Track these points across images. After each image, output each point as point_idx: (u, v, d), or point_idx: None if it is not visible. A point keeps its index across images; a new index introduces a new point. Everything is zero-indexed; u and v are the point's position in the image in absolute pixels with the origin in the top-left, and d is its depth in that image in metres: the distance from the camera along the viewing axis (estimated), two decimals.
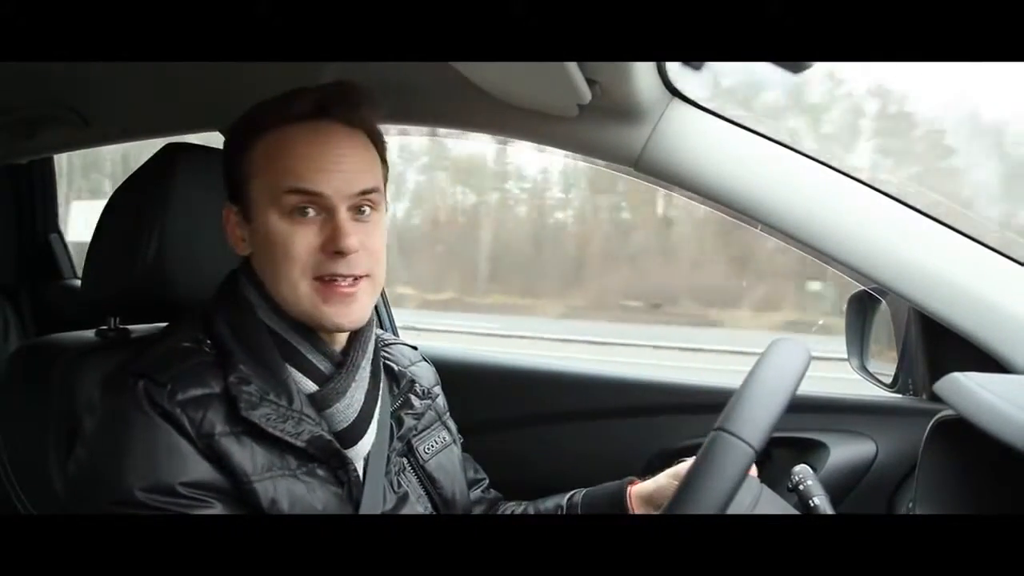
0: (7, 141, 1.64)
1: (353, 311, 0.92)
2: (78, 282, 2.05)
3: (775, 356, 0.78)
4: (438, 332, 4.97)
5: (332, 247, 0.89)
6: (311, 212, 0.90)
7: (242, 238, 0.96)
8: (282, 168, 0.90)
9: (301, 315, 0.92)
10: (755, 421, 0.73)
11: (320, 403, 0.92)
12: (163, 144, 1.13)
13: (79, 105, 1.48)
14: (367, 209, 0.93)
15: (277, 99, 0.94)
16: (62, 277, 2.10)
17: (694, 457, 0.76)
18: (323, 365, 0.94)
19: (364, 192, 0.92)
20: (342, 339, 0.98)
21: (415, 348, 1.22)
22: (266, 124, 0.93)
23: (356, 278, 0.91)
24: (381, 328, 1.47)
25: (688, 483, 0.73)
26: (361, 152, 0.94)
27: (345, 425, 0.94)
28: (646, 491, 1.05)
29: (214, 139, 1.49)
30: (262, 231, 0.92)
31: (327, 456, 0.91)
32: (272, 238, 0.90)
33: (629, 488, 1.07)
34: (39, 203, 2.07)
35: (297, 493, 0.88)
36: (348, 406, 0.94)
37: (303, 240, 0.89)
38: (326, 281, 0.90)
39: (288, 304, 0.92)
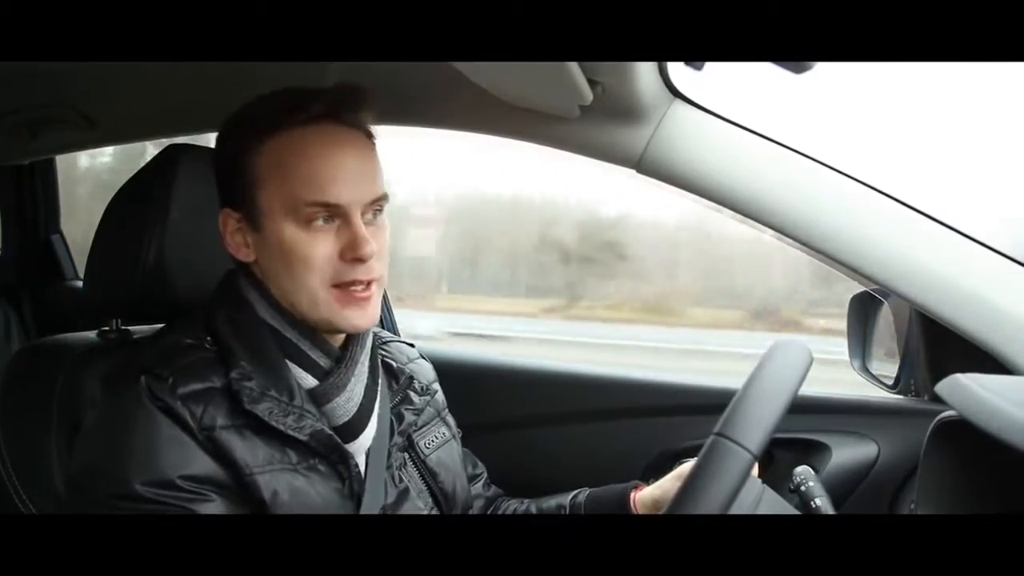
0: (10, 142, 1.64)
1: (369, 313, 0.93)
2: (80, 283, 2.05)
3: (775, 358, 0.78)
4: None
5: (352, 254, 0.89)
6: (328, 221, 0.90)
7: (245, 244, 0.94)
8: (301, 179, 0.89)
9: (318, 320, 0.92)
10: (754, 426, 0.72)
11: (320, 398, 0.93)
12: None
13: (83, 106, 1.48)
14: (377, 214, 0.94)
15: (281, 98, 0.92)
16: (64, 278, 2.10)
17: (695, 459, 0.76)
18: (323, 361, 0.94)
19: (377, 200, 0.93)
20: (341, 335, 0.98)
21: (412, 346, 1.22)
22: (273, 126, 0.91)
23: (370, 283, 0.92)
24: (381, 326, 1.48)
25: (687, 489, 0.72)
26: (371, 158, 0.95)
27: (346, 419, 0.94)
28: (651, 496, 1.05)
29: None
30: (274, 240, 0.91)
31: (328, 450, 0.91)
32: (288, 248, 0.90)
33: (633, 493, 1.07)
34: (41, 204, 2.07)
35: (297, 486, 0.88)
36: (348, 400, 0.95)
37: (322, 249, 0.90)
38: (344, 287, 0.90)
39: (303, 310, 0.92)
